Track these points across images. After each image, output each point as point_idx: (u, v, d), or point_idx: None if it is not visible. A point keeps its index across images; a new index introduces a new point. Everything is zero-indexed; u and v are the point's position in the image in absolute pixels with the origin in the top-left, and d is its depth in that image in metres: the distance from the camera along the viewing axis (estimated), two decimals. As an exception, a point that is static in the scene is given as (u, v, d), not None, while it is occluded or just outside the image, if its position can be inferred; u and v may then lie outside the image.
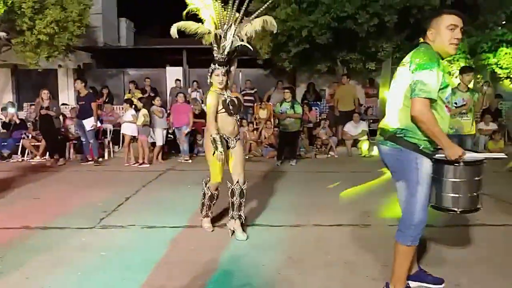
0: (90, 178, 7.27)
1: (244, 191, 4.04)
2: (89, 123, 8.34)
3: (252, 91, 11.83)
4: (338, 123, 10.20)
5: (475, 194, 2.68)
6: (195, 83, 11.99)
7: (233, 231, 4.03)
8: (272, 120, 10.29)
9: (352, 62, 10.35)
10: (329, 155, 9.36)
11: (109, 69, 14.10)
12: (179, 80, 12.22)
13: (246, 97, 10.98)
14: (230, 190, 4.03)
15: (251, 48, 4.18)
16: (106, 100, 11.42)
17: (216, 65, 3.94)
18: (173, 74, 13.11)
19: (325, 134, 9.64)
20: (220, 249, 3.75)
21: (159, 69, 13.68)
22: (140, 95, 10.96)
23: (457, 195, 2.60)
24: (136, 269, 3.31)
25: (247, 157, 8.93)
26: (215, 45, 3.98)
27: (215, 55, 3.99)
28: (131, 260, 3.52)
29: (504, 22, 10.40)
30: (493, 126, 9.67)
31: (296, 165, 8.22)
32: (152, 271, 3.29)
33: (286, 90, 8.64)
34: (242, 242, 3.92)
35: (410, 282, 2.84)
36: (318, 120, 10.28)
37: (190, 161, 8.85)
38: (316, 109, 11.08)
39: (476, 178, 2.67)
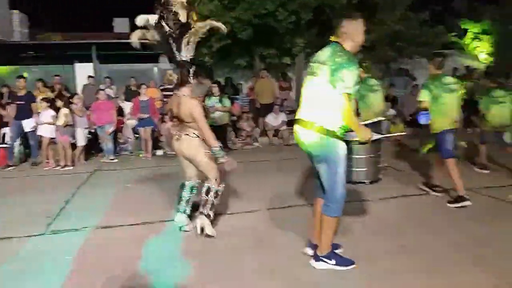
0: (16, 185, 6.69)
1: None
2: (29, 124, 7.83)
3: (171, 86, 11.67)
4: (259, 115, 10.67)
5: (377, 166, 3.31)
6: (107, 79, 11.48)
7: (202, 228, 3.92)
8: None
9: (269, 57, 10.86)
10: (254, 146, 9.78)
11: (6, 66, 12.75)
12: (92, 77, 11.57)
13: (165, 93, 10.84)
14: (207, 188, 3.97)
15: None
16: (9, 101, 10.35)
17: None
18: (82, 71, 12.34)
19: (249, 126, 10.03)
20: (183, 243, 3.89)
21: (65, 65, 12.76)
22: (50, 94, 10.15)
23: (365, 169, 3.24)
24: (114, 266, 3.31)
25: (170, 153, 8.82)
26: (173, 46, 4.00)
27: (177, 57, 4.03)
28: (106, 259, 3.50)
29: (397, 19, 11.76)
30: (392, 111, 10.93)
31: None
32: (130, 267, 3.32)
33: (214, 85, 8.81)
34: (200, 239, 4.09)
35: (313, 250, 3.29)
36: (241, 113, 10.61)
37: (115, 160, 8.55)
38: (237, 102, 11.40)
39: (378, 153, 3.27)
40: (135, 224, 4.37)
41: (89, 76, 11.47)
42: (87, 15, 15.61)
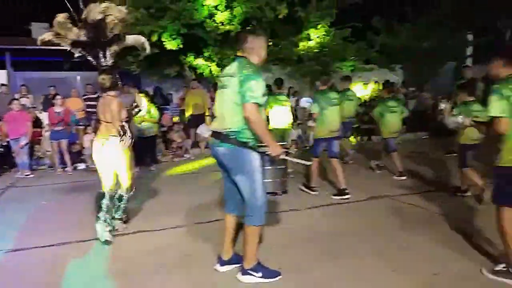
0: None
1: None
2: None
3: (95, 96, 11.13)
4: (190, 126, 10.50)
5: (285, 178, 3.50)
6: (23, 88, 10.66)
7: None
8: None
9: (199, 67, 10.78)
10: (185, 157, 9.59)
11: None
12: (5, 85, 10.66)
13: (88, 102, 10.30)
14: (119, 196, 4.33)
15: None
16: None
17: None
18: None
19: (179, 137, 9.83)
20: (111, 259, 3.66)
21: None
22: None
23: (278, 180, 3.40)
24: None
25: (93, 167, 8.46)
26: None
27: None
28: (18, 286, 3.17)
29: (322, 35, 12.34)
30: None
31: (156, 170, 8.19)
32: None
33: (142, 94, 8.50)
34: (132, 251, 3.90)
35: (222, 266, 3.36)
36: (171, 124, 10.38)
37: (31, 175, 7.92)
38: (167, 113, 11.14)
39: (285, 167, 3.46)
40: (51, 245, 4.06)
41: (2, 84, 10.56)
42: (1, 18, 14.36)
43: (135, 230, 4.44)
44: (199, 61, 10.55)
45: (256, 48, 3.13)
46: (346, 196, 5.49)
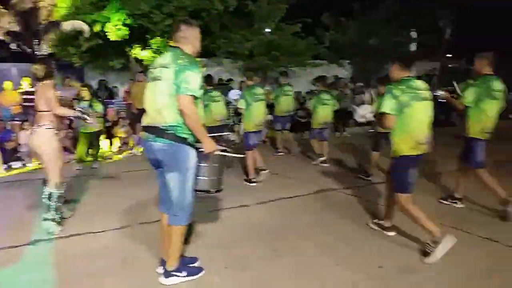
0: None
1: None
2: None
3: (33, 89, 10.42)
4: (137, 120, 10.09)
5: (221, 177, 3.46)
6: None
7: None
8: (63, 121, 9.36)
9: (145, 59, 10.38)
10: (131, 153, 9.20)
11: None
12: None
13: (25, 96, 9.61)
14: (48, 193, 4.15)
15: None
16: None
17: None
18: None
19: (125, 132, 9.41)
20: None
21: None
22: None
23: (214, 178, 3.34)
24: None
25: (37, 163, 7.96)
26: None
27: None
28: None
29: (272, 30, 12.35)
30: (270, 117, 11.32)
31: (99, 167, 7.79)
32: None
33: (84, 88, 8.04)
34: (67, 256, 3.64)
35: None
36: (116, 119, 9.92)
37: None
38: (112, 107, 10.64)
39: (220, 165, 3.42)
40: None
41: None
42: None
43: (71, 233, 4.12)
44: (146, 53, 10.15)
45: (191, 38, 3.01)
46: (253, 184, 5.94)
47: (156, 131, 2.89)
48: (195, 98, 2.84)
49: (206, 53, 12.52)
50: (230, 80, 12.39)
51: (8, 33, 3.90)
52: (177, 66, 2.81)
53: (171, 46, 3.03)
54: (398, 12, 14.44)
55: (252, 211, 4.84)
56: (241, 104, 6.04)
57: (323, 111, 7.35)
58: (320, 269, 3.27)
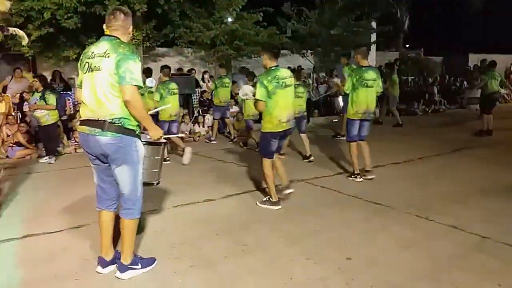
0: None
1: None
2: None
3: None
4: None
5: (160, 169, 3.40)
6: None
7: None
8: (14, 114, 8.81)
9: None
10: (90, 148, 8.79)
11: None
12: None
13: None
14: None
15: None
16: None
17: None
18: None
19: (83, 126, 8.98)
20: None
21: None
22: None
23: (156, 170, 3.29)
24: None
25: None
26: None
27: None
28: None
29: (234, 18, 12.14)
30: (236, 108, 11.19)
31: (55, 163, 7.39)
32: None
33: (35, 79, 7.57)
34: (20, 259, 3.38)
35: (105, 268, 3.09)
36: (74, 112, 9.45)
37: None
38: (69, 99, 10.12)
39: (160, 157, 3.40)
40: None
41: None
42: None
43: (24, 234, 3.86)
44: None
45: (127, 27, 2.94)
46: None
47: (102, 124, 2.77)
48: (139, 87, 2.78)
49: (167, 42, 12.15)
50: (192, 70, 12.12)
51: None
52: (118, 55, 2.72)
53: (106, 35, 2.89)
54: (356, 2, 14.59)
55: (218, 206, 4.72)
56: (156, 97, 6.77)
57: (297, 103, 7.02)
58: (290, 263, 3.21)
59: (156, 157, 3.31)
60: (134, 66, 2.73)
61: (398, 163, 6.56)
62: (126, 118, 2.79)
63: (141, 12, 9.22)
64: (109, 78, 2.73)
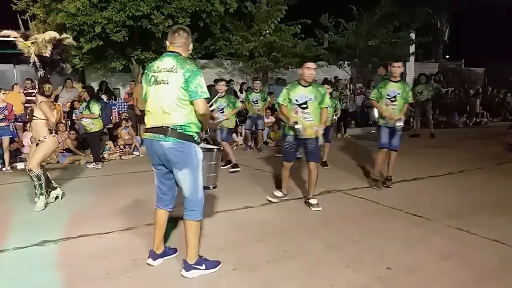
0: None
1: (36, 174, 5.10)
2: None
3: (35, 91, 10.40)
4: (140, 122, 10.11)
5: (217, 173, 3.68)
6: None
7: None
8: (64, 122, 9.37)
9: (147, 61, 10.36)
10: (134, 155, 9.21)
11: None
12: None
13: (29, 97, 9.62)
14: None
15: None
16: None
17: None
18: None
19: (128, 134, 9.43)
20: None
21: None
22: None
23: (212, 174, 3.53)
24: None
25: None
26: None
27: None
28: None
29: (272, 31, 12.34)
30: (272, 119, 11.38)
31: (102, 168, 7.80)
32: None
33: (84, 90, 8.07)
34: (75, 257, 3.65)
35: (156, 260, 3.39)
36: (118, 120, 9.93)
37: None
38: (114, 108, 10.65)
39: (217, 162, 3.70)
40: None
41: None
42: None
43: (78, 234, 4.13)
44: (147, 55, 10.14)
45: (188, 44, 3.18)
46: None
47: (165, 131, 3.03)
48: (206, 99, 3.08)
49: (207, 54, 12.53)
50: (231, 81, 12.41)
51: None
52: (187, 72, 2.98)
53: (170, 51, 3.14)
54: (394, 13, 14.50)
55: (257, 213, 4.85)
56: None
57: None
58: (330, 270, 3.28)
59: (211, 162, 3.58)
60: (202, 81, 3.01)
61: (438, 175, 6.47)
62: (186, 126, 3.04)
63: (185, 26, 9.60)
64: (177, 91, 3.00)
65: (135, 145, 9.39)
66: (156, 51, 10.22)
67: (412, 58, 16.56)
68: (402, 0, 14.98)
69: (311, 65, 4.77)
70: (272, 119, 11.34)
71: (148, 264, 3.35)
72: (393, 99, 5.70)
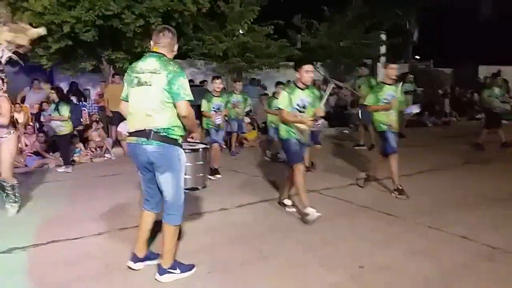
0: None
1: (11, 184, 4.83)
2: None
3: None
4: (111, 123, 9.89)
5: (205, 174, 3.78)
6: None
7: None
8: (32, 124, 9.07)
9: (118, 61, 10.16)
10: (105, 158, 9.01)
11: None
12: None
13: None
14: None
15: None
16: None
17: None
18: None
19: (99, 136, 9.21)
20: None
21: None
22: None
23: (200, 175, 3.54)
24: None
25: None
26: None
27: None
28: None
29: (245, 31, 12.35)
30: (247, 119, 11.33)
31: (72, 172, 7.59)
32: None
33: (52, 91, 7.83)
34: (47, 264, 3.54)
35: (136, 264, 3.33)
36: (89, 122, 9.69)
37: None
38: (84, 110, 10.37)
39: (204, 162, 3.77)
40: None
41: None
42: None
43: (49, 240, 4.01)
44: (118, 55, 9.93)
45: (173, 45, 3.15)
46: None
47: (148, 134, 2.99)
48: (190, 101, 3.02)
49: (180, 54, 12.39)
50: (204, 81, 12.34)
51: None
52: (170, 73, 2.93)
53: (154, 52, 3.08)
54: (365, 14, 14.78)
55: (232, 214, 4.84)
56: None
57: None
58: (305, 270, 3.32)
59: (198, 162, 3.56)
60: (185, 82, 2.97)
61: (410, 174, 6.63)
62: (170, 129, 3.00)
63: (155, 25, 9.45)
64: (160, 93, 2.95)
65: (107, 147, 9.18)
66: (127, 51, 10.02)
67: (383, 59, 16.92)
68: (373, 1, 15.31)
69: (309, 68, 4.61)
70: (247, 119, 11.34)
71: (128, 266, 3.29)
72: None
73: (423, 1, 20.82)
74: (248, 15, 12.14)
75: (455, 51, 22.03)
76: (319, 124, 4.85)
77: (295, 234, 4.14)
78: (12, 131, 4.85)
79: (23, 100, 9.95)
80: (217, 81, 6.62)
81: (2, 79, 4.76)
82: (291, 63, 13.68)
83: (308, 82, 4.66)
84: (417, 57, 22.80)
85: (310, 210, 4.37)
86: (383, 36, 16.54)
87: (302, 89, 4.65)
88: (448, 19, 22.10)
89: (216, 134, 6.76)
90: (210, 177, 6.25)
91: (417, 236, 4.02)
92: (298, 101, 4.60)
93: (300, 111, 4.58)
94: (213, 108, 6.82)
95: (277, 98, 5.93)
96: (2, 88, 4.74)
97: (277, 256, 3.60)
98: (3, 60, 4.56)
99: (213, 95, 6.78)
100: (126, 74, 3.21)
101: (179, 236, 4.00)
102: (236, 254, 3.65)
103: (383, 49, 16.94)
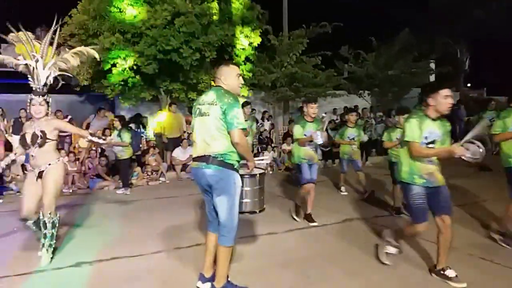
0: None
1: (50, 221, 4.27)
2: None
3: (66, 119, 11.00)
4: (167, 149, 10.53)
5: (262, 197, 3.72)
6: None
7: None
8: (95, 149, 9.84)
9: (175, 91, 10.88)
10: (160, 181, 9.57)
11: None
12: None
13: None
14: (42, 221, 4.26)
15: (72, 76, 4.62)
16: None
17: (33, 95, 4.27)
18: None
19: (155, 160, 9.82)
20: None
21: None
22: None
23: (258, 199, 3.72)
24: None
25: (70, 190, 8.40)
26: (29, 76, 4.30)
27: (32, 85, 4.30)
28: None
29: (294, 62, 12.78)
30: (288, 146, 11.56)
31: (130, 194, 8.14)
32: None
33: (115, 119, 8.53)
34: (108, 279, 3.91)
35: (204, 284, 3.53)
36: (146, 147, 10.36)
37: (0, 201, 7.71)
38: (143, 136, 11.10)
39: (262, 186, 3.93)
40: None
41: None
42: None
43: (111, 257, 4.41)
44: (175, 86, 10.66)
45: (231, 77, 3.41)
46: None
47: (207, 159, 3.27)
48: (243, 129, 3.28)
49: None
50: (253, 110, 12.78)
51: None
52: (224, 105, 3.22)
53: (214, 86, 3.46)
54: (414, 44, 14.80)
55: (280, 239, 5.03)
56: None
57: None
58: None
59: (256, 187, 3.78)
60: (238, 112, 3.24)
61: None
62: (226, 154, 3.26)
63: (210, 59, 10.10)
64: (216, 122, 3.25)
65: (162, 171, 9.76)
66: (183, 82, 10.72)
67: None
68: (421, 31, 15.29)
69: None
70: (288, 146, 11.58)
71: (197, 287, 3.52)
72: None
73: (474, 34, 20.41)
74: (296, 48, 12.59)
75: (510, 78, 21.18)
76: None
77: (340, 261, 4.25)
78: (60, 158, 4.42)
79: (87, 126, 10.84)
80: (314, 105, 5.59)
81: (47, 102, 4.31)
82: (338, 92, 13.95)
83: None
84: (469, 85, 22.19)
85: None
86: (433, 65, 16.37)
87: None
88: (501, 46, 21.43)
89: (309, 171, 5.60)
90: (309, 223, 5.63)
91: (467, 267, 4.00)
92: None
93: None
94: (305, 135, 5.66)
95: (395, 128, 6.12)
96: (48, 112, 4.34)
97: (324, 281, 3.73)
98: (48, 81, 4.32)
99: (307, 121, 5.64)
100: (193, 107, 3.57)
101: (231, 258, 4.30)
102: (283, 278, 3.81)
103: (432, 78, 16.73)
